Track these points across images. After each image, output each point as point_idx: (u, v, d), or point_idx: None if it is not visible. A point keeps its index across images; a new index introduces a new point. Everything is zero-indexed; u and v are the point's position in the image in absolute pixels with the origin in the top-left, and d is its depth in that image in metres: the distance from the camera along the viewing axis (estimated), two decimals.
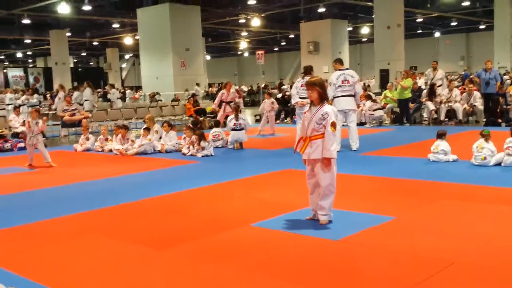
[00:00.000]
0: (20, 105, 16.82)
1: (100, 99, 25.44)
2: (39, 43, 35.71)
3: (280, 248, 3.96)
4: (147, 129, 9.91)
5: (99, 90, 31.62)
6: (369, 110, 13.43)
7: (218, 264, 3.64)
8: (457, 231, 4.16)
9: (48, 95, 25.30)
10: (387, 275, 3.32)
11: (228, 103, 12.23)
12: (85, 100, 15.95)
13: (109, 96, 20.81)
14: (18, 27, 28.86)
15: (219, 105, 12.58)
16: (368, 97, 13.69)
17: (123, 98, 26.48)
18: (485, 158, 6.88)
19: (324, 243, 4.02)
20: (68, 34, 31.41)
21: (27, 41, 34.79)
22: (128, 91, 29.97)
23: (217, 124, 10.89)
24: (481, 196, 5.39)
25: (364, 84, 19.60)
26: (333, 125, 4.35)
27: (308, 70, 9.11)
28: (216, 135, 10.30)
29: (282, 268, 3.53)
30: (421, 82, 15.50)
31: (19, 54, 43.04)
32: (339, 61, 9.13)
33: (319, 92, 4.41)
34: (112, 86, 20.99)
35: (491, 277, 3.24)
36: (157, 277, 3.44)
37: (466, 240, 3.94)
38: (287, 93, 16.07)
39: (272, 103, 13.05)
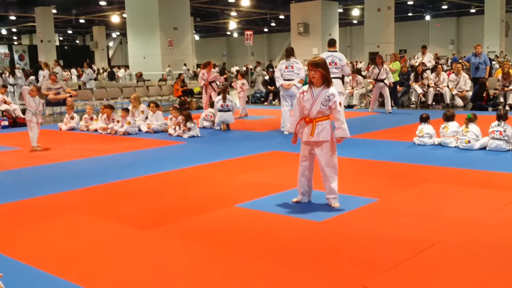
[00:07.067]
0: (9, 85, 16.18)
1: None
2: (24, 20, 34.92)
3: (263, 229, 3.97)
4: (126, 110, 9.79)
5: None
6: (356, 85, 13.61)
7: (202, 244, 3.64)
8: (440, 214, 4.20)
9: (30, 74, 24.44)
10: (369, 255, 3.34)
11: (210, 83, 12.09)
12: None
13: (83, 78, 18.25)
14: (3, 3, 28.12)
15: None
16: (357, 72, 14.03)
17: (111, 78, 26.01)
18: (469, 141, 6.93)
19: (308, 224, 4.03)
20: (54, 11, 30.72)
21: (12, 17, 33.99)
22: (121, 71, 29.39)
23: (211, 104, 10.77)
24: (464, 179, 5.44)
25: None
26: (340, 104, 4.44)
27: (290, 52, 9.08)
28: (209, 115, 10.24)
29: (265, 248, 3.54)
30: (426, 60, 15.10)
31: (3, 31, 42.11)
32: (330, 43, 9.09)
33: (322, 74, 4.34)
34: (89, 65, 18.60)
35: (471, 258, 3.29)
36: (142, 256, 3.43)
37: (448, 222, 3.98)
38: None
39: (243, 84, 12.80)
